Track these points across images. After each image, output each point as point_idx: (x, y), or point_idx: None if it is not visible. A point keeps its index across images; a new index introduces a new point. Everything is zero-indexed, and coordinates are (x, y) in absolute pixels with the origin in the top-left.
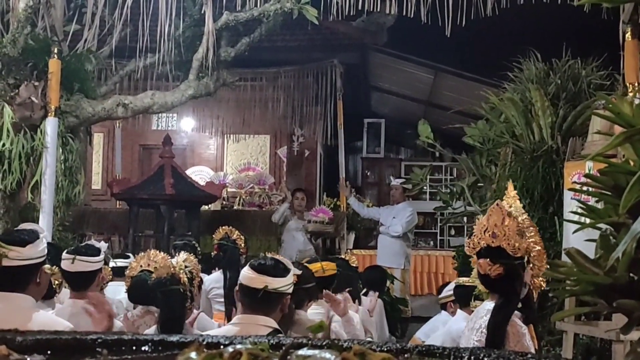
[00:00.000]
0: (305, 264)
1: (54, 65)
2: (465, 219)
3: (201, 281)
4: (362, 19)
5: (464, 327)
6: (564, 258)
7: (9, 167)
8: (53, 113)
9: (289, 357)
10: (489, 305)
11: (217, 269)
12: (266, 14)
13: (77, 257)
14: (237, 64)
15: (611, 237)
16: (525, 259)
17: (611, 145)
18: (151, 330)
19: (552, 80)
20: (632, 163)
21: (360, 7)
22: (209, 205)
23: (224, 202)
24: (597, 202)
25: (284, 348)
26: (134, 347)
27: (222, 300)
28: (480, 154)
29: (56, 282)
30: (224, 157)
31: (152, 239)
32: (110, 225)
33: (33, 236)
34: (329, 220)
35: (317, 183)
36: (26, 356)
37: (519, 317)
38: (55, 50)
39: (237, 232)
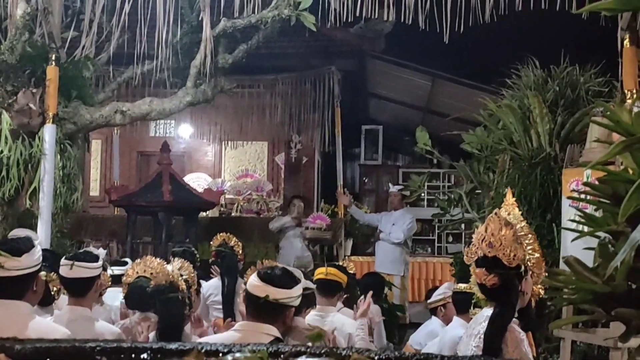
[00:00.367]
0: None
1: (51, 72)
2: (463, 225)
3: (199, 286)
4: (359, 25)
5: (460, 333)
6: (562, 266)
7: (7, 174)
8: (51, 120)
9: None
10: (487, 311)
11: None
12: (264, 20)
13: (76, 263)
14: (235, 71)
15: (610, 246)
16: (523, 268)
17: (610, 154)
18: (149, 337)
19: (550, 87)
20: (631, 171)
21: (358, 14)
22: (207, 212)
23: (222, 209)
24: (595, 210)
25: (282, 356)
26: (133, 355)
27: (220, 307)
28: (478, 161)
29: (55, 288)
30: (221, 163)
31: (150, 245)
32: (108, 232)
33: (29, 245)
34: (327, 227)
35: (315, 190)
36: None
37: (517, 324)
38: (53, 57)
39: (234, 238)
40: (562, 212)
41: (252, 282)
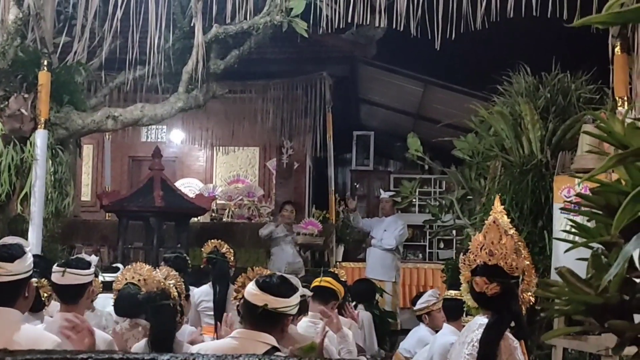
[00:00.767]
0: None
1: (43, 77)
2: (454, 232)
3: (188, 291)
4: (351, 31)
5: (451, 340)
6: (554, 276)
7: None
8: (43, 125)
9: None
10: (481, 319)
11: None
12: (256, 26)
13: (68, 270)
14: (227, 77)
15: (603, 257)
16: (521, 277)
17: (604, 167)
18: (141, 344)
19: (541, 94)
20: (623, 182)
21: (349, 20)
22: (199, 218)
23: (213, 214)
24: (588, 221)
25: None
26: None
27: (212, 313)
28: (470, 167)
29: (45, 294)
30: (213, 169)
31: (141, 251)
32: (99, 237)
33: (20, 251)
34: (318, 233)
35: (306, 195)
36: None
37: (509, 331)
38: (45, 63)
39: (226, 245)
40: (553, 219)
41: (251, 290)
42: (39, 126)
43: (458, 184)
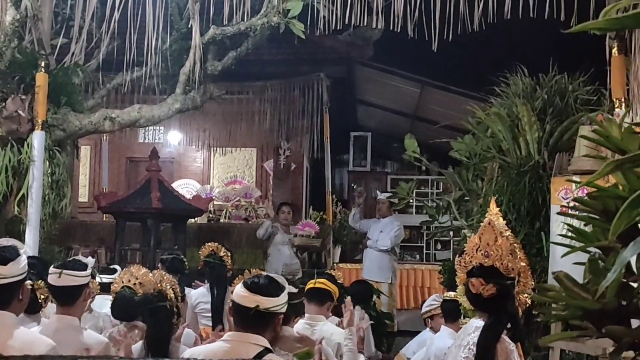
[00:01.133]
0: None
1: (41, 78)
2: (451, 233)
3: (184, 293)
4: (348, 32)
5: (449, 344)
6: (551, 280)
7: None
8: (40, 126)
9: None
10: (476, 322)
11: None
12: (253, 28)
13: (64, 271)
14: (224, 78)
15: (600, 261)
16: (517, 279)
17: (601, 173)
18: (137, 346)
19: (539, 95)
20: (621, 187)
21: (346, 21)
22: (196, 219)
23: (211, 215)
24: (585, 225)
25: None
26: None
27: (209, 315)
28: (467, 169)
29: (42, 296)
30: (210, 170)
31: (138, 252)
32: (96, 238)
33: (14, 253)
34: (315, 234)
35: (304, 196)
36: None
37: (506, 334)
38: (43, 64)
39: (223, 248)
40: (550, 220)
41: (240, 292)
42: (36, 127)
43: (455, 185)
